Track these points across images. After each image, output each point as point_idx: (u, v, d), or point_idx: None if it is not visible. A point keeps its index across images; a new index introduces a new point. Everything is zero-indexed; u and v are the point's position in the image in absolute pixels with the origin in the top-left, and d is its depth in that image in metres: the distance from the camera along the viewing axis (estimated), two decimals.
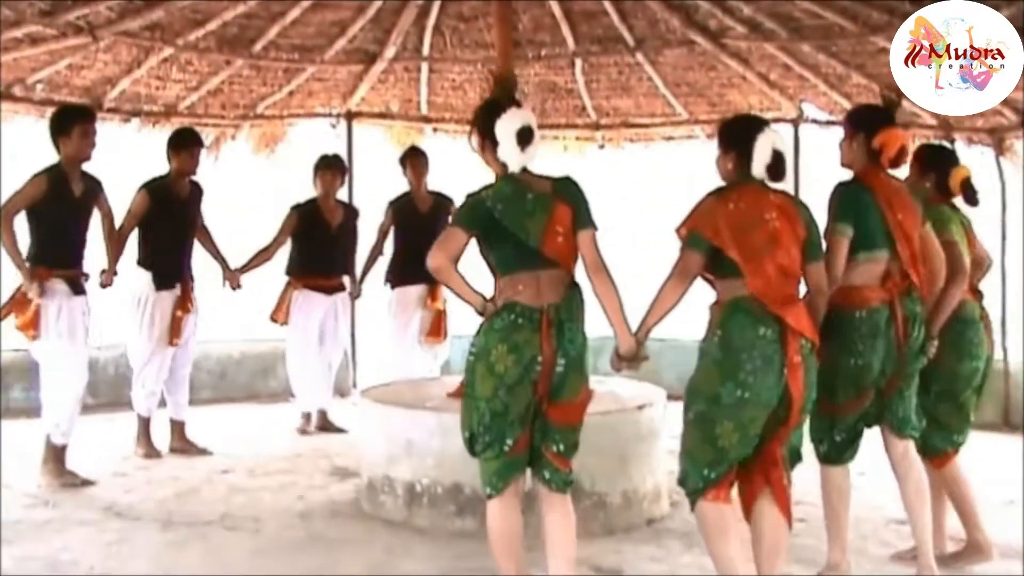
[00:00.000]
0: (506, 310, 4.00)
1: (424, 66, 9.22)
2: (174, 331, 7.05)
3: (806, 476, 6.20)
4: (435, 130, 9.99)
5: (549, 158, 10.01)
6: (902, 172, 4.86)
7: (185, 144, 7.18)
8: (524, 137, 4.06)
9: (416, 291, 7.87)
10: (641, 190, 16.11)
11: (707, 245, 4.02)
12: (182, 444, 7.31)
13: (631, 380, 6.25)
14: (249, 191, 13.29)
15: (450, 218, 4.35)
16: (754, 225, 4.01)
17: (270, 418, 8.41)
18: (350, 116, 9.81)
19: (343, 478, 6.51)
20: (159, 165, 7.20)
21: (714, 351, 4.02)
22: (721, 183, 4.24)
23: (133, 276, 7.06)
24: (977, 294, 5.09)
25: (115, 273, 6.77)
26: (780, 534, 4.20)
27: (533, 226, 4.00)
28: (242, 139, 9.42)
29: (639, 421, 5.67)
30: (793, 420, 4.04)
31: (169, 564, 4.99)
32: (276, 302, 7.87)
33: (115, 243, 6.81)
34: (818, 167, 10.13)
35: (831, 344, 4.33)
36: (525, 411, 4.02)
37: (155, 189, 7.06)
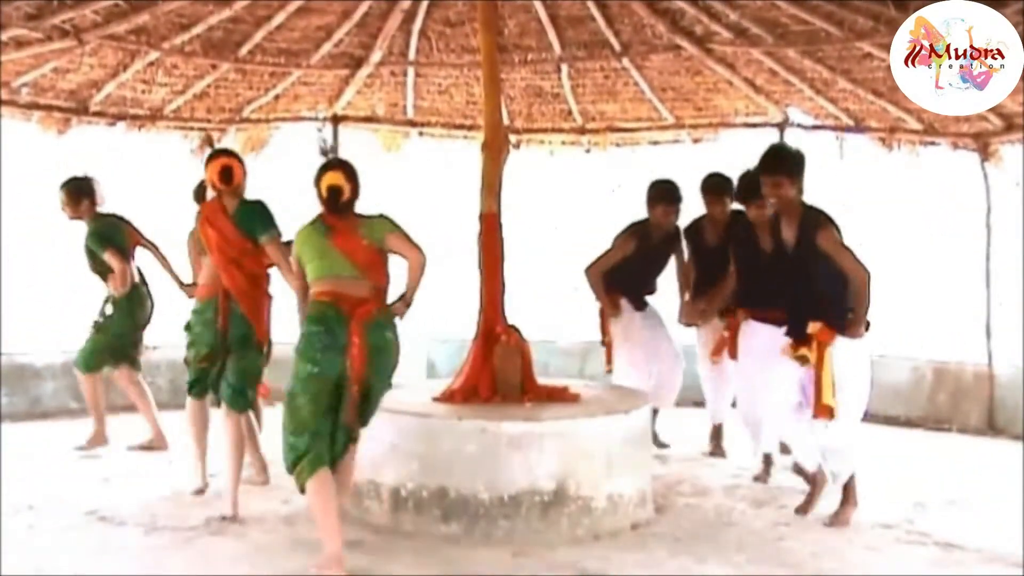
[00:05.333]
0: None
1: (410, 70, 9.22)
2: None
3: (784, 485, 6.23)
4: (421, 134, 10.01)
5: (536, 162, 10.03)
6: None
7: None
8: None
9: None
10: (627, 194, 16.12)
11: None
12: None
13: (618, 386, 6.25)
14: None
15: None
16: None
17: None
18: (336, 120, 9.80)
19: None
20: (144, 169, 7.19)
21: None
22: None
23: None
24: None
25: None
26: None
27: None
28: (228, 142, 9.39)
29: (625, 425, 5.66)
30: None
31: (153, 569, 4.98)
32: None
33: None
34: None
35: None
36: None
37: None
